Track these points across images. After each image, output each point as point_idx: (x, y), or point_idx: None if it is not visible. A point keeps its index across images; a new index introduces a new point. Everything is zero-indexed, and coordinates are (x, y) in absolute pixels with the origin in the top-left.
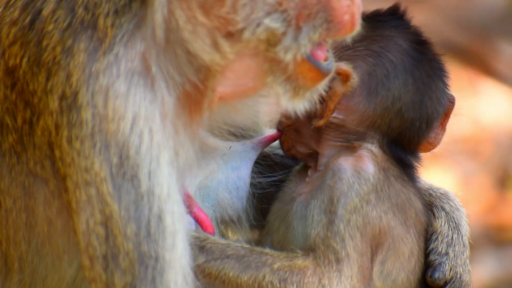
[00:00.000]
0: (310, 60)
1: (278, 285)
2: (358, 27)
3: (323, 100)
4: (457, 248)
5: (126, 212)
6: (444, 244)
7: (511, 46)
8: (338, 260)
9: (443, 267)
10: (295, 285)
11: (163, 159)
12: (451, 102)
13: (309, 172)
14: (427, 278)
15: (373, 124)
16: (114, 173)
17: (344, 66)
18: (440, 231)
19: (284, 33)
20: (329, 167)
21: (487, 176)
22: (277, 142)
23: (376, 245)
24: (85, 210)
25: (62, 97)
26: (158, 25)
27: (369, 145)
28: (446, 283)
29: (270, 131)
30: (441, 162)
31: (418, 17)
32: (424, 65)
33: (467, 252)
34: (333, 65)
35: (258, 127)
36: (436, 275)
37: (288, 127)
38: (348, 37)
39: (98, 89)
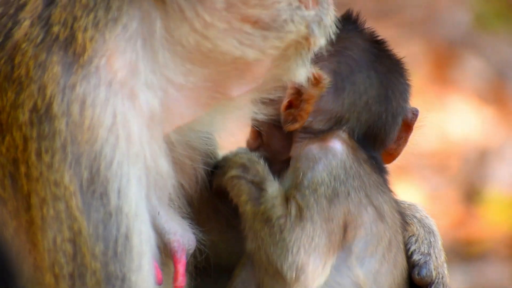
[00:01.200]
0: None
1: (261, 223)
2: None
3: (294, 105)
4: (436, 250)
5: (94, 230)
6: (425, 245)
7: (477, 60)
8: (301, 219)
9: (429, 265)
10: (267, 229)
11: (134, 175)
12: (414, 114)
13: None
14: (415, 276)
15: (341, 120)
16: (84, 188)
17: (313, 69)
18: (418, 234)
19: (310, 21)
20: (299, 154)
21: (454, 190)
22: None
23: (347, 224)
24: (52, 226)
25: (33, 110)
26: (146, 34)
27: (338, 133)
28: (431, 283)
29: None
30: (408, 177)
31: (385, 32)
32: (384, 60)
33: (444, 256)
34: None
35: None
36: (424, 272)
37: (257, 148)
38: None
39: (74, 98)
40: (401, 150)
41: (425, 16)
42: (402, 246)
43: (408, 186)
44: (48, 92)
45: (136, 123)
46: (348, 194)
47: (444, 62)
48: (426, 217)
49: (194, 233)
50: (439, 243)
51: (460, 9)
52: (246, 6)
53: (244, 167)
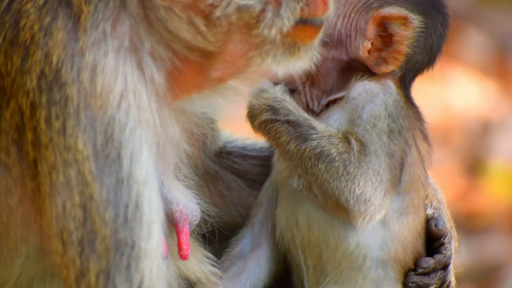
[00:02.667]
0: (304, 22)
1: (314, 160)
2: (329, 8)
3: (379, 48)
4: (444, 206)
5: (106, 195)
6: (436, 201)
7: (480, 34)
8: (366, 154)
9: (443, 218)
10: (324, 164)
11: (145, 141)
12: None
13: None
14: (432, 228)
15: (411, 61)
16: (98, 152)
17: (395, 10)
18: (429, 191)
19: (263, 10)
20: (352, 89)
21: (457, 163)
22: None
23: (403, 161)
24: (61, 192)
25: (41, 76)
26: (132, 3)
27: (392, 74)
28: (445, 235)
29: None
30: None
31: None
32: (436, 4)
33: (449, 212)
34: (328, 12)
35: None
36: (441, 224)
37: (303, 84)
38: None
39: (84, 65)
40: None
41: None
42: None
43: None
44: (55, 58)
45: (145, 91)
46: (400, 132)
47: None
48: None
49: (198, 203)
50: (444, 200)
51: None
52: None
53: (274, 109)
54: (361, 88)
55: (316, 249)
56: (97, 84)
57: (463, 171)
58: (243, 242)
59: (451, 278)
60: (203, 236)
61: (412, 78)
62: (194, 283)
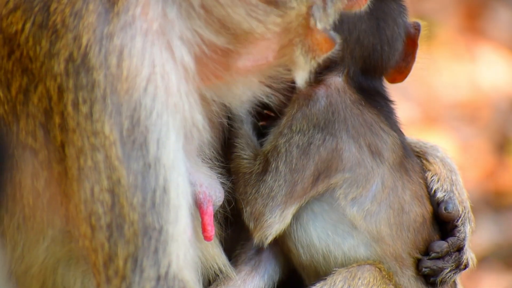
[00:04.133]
0: (326, 31)
1: (235, 176)
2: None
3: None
4: (458, 187)
5: (134, 180)
6: (448, 183)
7: (508, 11)
8: (265, 172)
9: (454, 201)
10: (238, 181)
11: (172, 126)
12: (416, 28)
13: None
14: (442, 212)
15: (336, 60)
16: (124, 138)
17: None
18: (440, 173)
19: (313, 4)
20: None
21: (485, 141)
22: None
23: (319, 172)
24: (89, 177)
25: (69, 60)
26: None
27: (332, 77)
28: (458, 218)
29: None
30: (439, 128)
31: None
32: None
33: (466, 192)
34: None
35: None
36: (450, 206)
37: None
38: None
39: (112, 49)
40: (411, 66)
41: None
42: (411, 183)
43: (439, 137)
44: (84, 41)
45: (174, 74)
46: (324, 140)
47: (474, 12)
48: (448, 157)
49: (222, 185)
50: (461, 181)
51: None
52: None
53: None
54: (292, 101)
55: (311, 267)
56: (123, 68)
57: (491, 148)
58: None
59: (468, 258)
60: (226, 218)
61: (367, 76)
62: (215, 272)
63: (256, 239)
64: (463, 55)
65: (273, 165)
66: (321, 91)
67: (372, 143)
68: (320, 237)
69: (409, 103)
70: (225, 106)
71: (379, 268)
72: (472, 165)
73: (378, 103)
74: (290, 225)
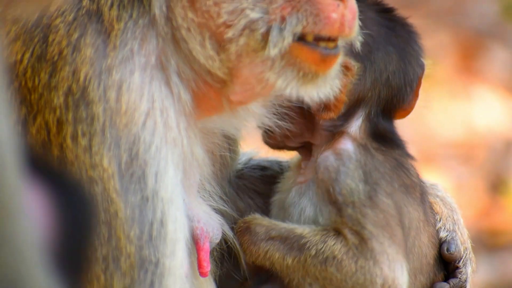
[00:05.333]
0: (304, 43)
1: (319, 266)
2: (351, 31)
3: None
4: (460, 227)
5: (131, 213)
6: (450, 223)
7: (504, 51)
8: (364, 240)
9: (456, 241)
10: (334, 267)
11: (171, 160)
12: (422, 69)
13: (303, 164)
14: (444, 253)
15: (364, 99)
16: (123, 171)
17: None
18: (442, 212)
19: (268, 30)
20: (318, 160)
21: (480, 181)
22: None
23: (400, 217)
24: None
25: (69, 93)
26: (160, 22)
27: (352, 127)
28: (459, 259)
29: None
30: (434, 167)
31: (412, 22)
32: (398, 31)
33: (467, 232)
34: (339, 50)
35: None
36: (453, 248)
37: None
38: (346, 39)
39: (111, 84)
40: (414, 104)
41: (452, 6)
42: (431, 225)
43: (434, 176)
44: (83, 75)
45: (173, 109)
46: (376, 191)
47: (471, 52)
48: (448, 196)
49: (220, 222)
50: (461, 220)
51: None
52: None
53: (249, 231)
54: (322, 162)
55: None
56: (122, 103)
57: (486, 188)
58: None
59: None
60: (222, 258)
61: (385, 116)
62: None
63: None
64: (459, 95)
65: (365, 232)
66: (348, 145)
67: (405, 184)
68: None
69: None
70: (228, 138)
71: None
72: (467, 205)
73: (395, 144)
74: None
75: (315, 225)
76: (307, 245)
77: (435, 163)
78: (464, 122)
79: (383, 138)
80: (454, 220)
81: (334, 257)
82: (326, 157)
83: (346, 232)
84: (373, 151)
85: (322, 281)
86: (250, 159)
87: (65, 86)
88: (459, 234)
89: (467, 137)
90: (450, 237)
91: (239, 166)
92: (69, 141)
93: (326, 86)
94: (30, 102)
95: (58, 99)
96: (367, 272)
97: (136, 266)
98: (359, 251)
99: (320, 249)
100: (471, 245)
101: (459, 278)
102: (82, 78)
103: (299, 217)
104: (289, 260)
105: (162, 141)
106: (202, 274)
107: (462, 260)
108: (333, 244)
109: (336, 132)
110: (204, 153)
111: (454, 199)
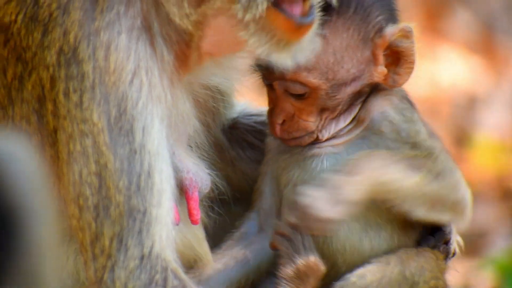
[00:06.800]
0: (280, 10)
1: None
2: None
3: (394, 62)
4: None
5: (120, 165)
6: None
7: (467, 12)
8: (445, 162)
9: None
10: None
11: (157, 115)
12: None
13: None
14: None
15: None
16: (112, 125)
17: (393, 29)
18: None
19: None
20: (374, 117)
21: (445, 135)
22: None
23: None
24: (78, 160)
25: (60, 52)
26: None
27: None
28: None
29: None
30: None
31: None
32: None
33: None
34: (314, 19)
35: (230, 96)
36: None
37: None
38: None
39: (99, 44)
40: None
41: None
42: None
43: None
44: (73, 37)
45: (156, 68)
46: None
47: (435, 13)
48: None
49: (209, 173)
50: None
51: None
52: None
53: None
54: (378, 118)
55: (332, 257)
56: (111, 62)
57: (450, 142)
58: (248, 224)
59: (456, 247)
60: (212, 208)
61: None
62: (198, 257)
63: (466, 219)
64: (425, 54)
65: (443, 156)
66: (397, 102)
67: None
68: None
69: None
70: (219, 90)
71: (436, 256)
72: None
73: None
74: None
75: None
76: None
77: None
78: (429, 79)
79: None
80: None
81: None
82: (386, 112)
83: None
84: (405, 99)
85: (430, 201)
86: (245, 109)
87: (57, 46)
88: None
89: (433, 93)
90: None
91: (234, 115)
92: (61, 96)
93: (298, 53)
94: (25, 60)
95: (51, 58)
96: (461, 185)
97: (125, 214)
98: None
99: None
100: None
101: (443, 230)
102: (72, 39)
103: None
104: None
105: (148, 98)
106: (193, 222)
107: None
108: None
109: (382, 91)
110: (192, 106)
111: None
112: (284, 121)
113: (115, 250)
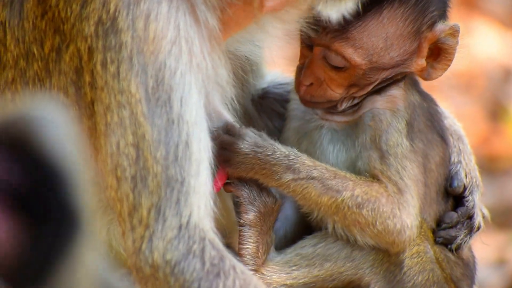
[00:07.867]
0: None
1: (354, 209)
2: None
3: (434, 57)
4: (465, 156)
5: (157, 135)
6: (455, 154)
7: None
8: (401, 191)
9: (459, 175)
10: (369, 210)
11: (195, 85)
12: None
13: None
14: (448, 188)
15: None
16: (150, 95)
17: (444, 26)
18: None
19: None
20: (366, 109)
21: (480, 109)
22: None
23: (424, 169)
24: (116, 131)
25: (99, 23)
26: None
27: (399, 85)
28: (465, 188)
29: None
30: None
31: None
32: None
33: (474, 159)
34: None
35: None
36: (455, 183)
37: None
38: None
39: (139, 14)
40: None
41: None
42: (441, 162)
43: None
44: (112, 7)
45: (197, 37)
46: (417, 146)
47: None
48: (455, 123)
49: None
50: (468, 147)
51: None
52: None
53: (293, 169)
54: (373, 112)
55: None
56: (150, 31)
57: (485, 116)
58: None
59: (480, 221)
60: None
61: None
62: (228, 227)
63: (403, 248)
64: (460, 28)
65: (402, 184)
66: (400, 105)
67: (433, 139)
68: None
69: None
70: (251, 60)
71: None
72: (467, 132)
73: (423, 92)
74: None
75: (352, 166)
76: (350, 186)
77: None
78: (464, 53)
79: (418, 86)
80: (460, 150)
81: (374, 201)
82: (383, 111)
83: (386, 180)
84: (418, 108)
85: (349, 222)
86: (275, 78)
87: (96, 17)
88: (464, 163)
89: (468, 67)
90: (454, 171)
91: (264, 85)
92: (99, 67)
93: (344, 5)
94: (63, 32)
95: (89, 29)
96: (398, 220)
97: (162, 185)
98: (396, 199)
99: (364, 191)
100: (478, 170)
101: (467, 206)
102: (112, 9)
103: (335, 156)
104: (325, 199)
105: (186, 68)
106: (216, 188)
107: (468, 189)
108: (377, 189)
109: (391, 86)
110: (228, 74)
111: None
112: (311, 84)
113: (153, 220)
